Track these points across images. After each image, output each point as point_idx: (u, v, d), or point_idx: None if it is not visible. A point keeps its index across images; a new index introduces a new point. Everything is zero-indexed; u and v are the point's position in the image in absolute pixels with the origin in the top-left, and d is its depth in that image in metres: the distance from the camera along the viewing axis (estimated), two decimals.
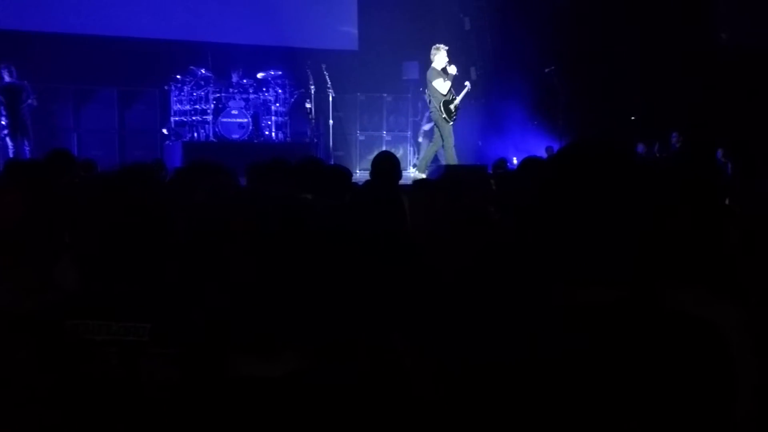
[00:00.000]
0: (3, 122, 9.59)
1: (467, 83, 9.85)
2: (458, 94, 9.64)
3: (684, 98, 10.16)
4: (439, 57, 9.58)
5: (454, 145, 9.55)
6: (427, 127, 11.32)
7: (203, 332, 1.59)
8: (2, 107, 9.59)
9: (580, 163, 1.30)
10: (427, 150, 10.02)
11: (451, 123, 9.51)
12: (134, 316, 1.70)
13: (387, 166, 4.23)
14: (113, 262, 1.78)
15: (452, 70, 9.59)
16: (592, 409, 1.19)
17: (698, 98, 9.92)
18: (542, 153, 10.27)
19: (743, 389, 1.39)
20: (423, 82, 12.24)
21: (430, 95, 9.59)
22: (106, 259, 1.79)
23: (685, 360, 1.18)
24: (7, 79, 9.68)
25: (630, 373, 1.18)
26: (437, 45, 9.76)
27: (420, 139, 11.52)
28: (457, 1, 12.43)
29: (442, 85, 9.47)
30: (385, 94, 12.29)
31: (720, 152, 9.73)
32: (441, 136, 9.54)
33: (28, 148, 9.64)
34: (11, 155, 9.23)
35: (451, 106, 9.51)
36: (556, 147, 10.58)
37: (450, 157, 9.45)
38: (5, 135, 9.59)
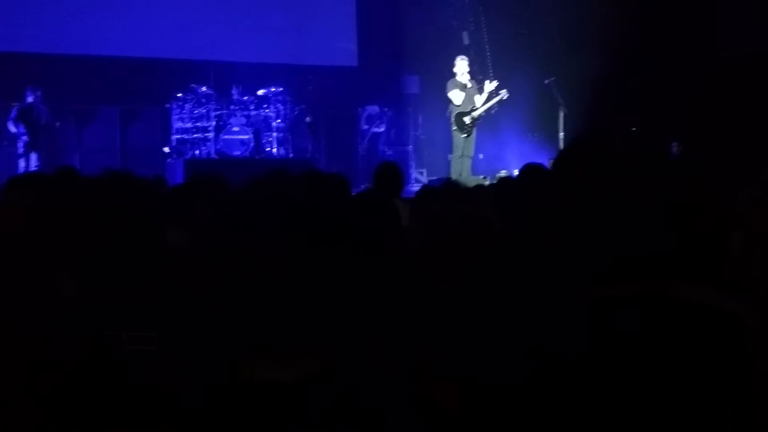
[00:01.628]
0: (23, 140, 9.77)
1: (503, 92, 9.87)
2: (485, 104, 9.74)
3: (683, 107, 10.18)
4: (458, 68, 9.73)
5: (471, 156, 9.66)
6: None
7: (212, 340, 1.59)
8: (22, 126, 9.74)
9: (608, 160, 1.29)
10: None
11: (465, 135, 9.63)
12: (141, 326, 1.70)
13: (388, 174, 4.25)
14: (114, 272, 1.79)
15: (463, 79, 9.68)
16: (620, 402, 1.18)
17: (697, 106, 9.93)
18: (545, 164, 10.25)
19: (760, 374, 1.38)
20: (423, 97, 12.40)
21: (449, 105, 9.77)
22: (106, 269, 1.79)
23: (709, 346, 1.18)
24: (29, 99, 9.83)
25: (656, 363, 1.18)
26: (459, 56, 9.91)
27: None
28: (456, 15, 12.51)
29: (456, 96, 9.61)
30: (386, 109, 12.34)
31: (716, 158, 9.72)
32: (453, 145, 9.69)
33: (36, 167, 9.75)
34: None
35: (466, 119, 9.62)
36: None
37: (455, 168, 9.52)
38: (21, 153, 9.74)
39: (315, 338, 1.27)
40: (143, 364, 1.68)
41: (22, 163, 9.78)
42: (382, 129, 11.78)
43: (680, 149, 11.01)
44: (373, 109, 11.80)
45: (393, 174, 4.32)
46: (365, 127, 11.81)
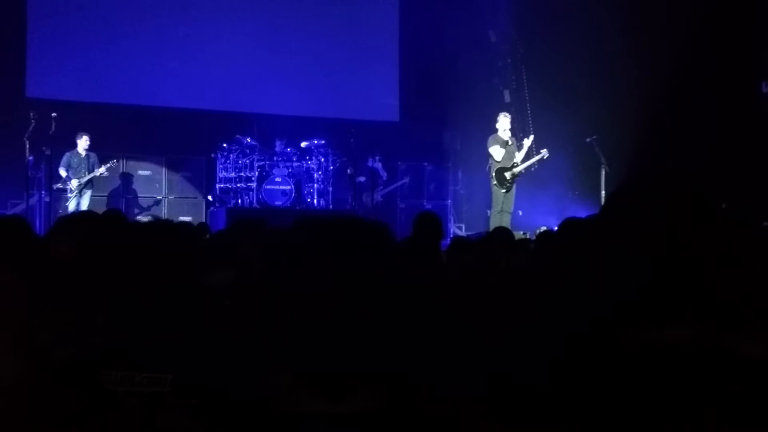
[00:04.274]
0: (71, 185, 10.13)
1: (544, 151, 9.98)
2: (525, 161, 9.88)
3: (729, 168, 10.05)
4: (501, 124, 9.88)
5: (510, 212, 9.75)
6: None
7: (227, 385, 1.60)
8: (71, 171, 10.13)
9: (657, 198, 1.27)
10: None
11: (504, 190, 9.70)
12: (157, 367, 1.70)
13: (429, 223, 4.28)
14: (150, 313, 1.82)
15: (505, 135, 9.79)
16: None
17: (745, 167, 9.78)
18: None
19: None
20: (463, 152, 12.52)
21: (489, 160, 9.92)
22: (136, 310, 1.82)
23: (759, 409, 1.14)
24: (78, 146, 10.26)
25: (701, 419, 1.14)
26: (502, 112, 10.04)
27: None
28: (497, 73, 12.67)
29: (497, 152, 9.74)
30: (426, 163, 12.44)
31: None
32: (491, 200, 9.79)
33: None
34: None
35: (506, 174, 9.74)
36: None
37: (494, 223, 9.53)
38: (69, 197, 10.06)
39: (367, 370, 1.27)
40: (154, 407, 1.68)
41: (70, 206, 10.07)
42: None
43: (730, 209, 10.79)
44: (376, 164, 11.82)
45: (434, 223, 4.35)
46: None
